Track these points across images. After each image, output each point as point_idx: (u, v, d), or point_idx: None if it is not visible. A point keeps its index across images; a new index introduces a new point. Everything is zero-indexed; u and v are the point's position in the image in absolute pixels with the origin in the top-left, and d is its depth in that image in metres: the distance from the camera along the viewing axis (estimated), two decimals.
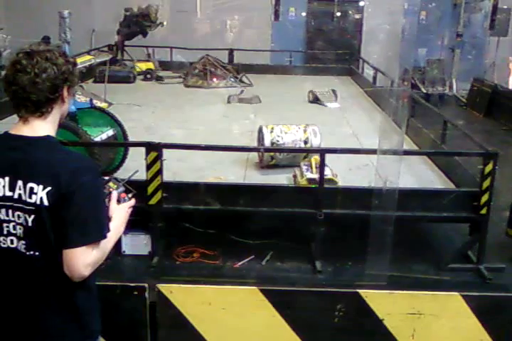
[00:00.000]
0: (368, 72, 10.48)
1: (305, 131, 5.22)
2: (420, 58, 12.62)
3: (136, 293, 3.13)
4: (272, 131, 5.12)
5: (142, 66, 10.15)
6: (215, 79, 9.80)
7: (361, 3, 13.78)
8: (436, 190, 4.55)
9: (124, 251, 4.18)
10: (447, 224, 4.74)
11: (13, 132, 2.08)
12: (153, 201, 4.15)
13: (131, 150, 4.97)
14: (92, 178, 2.03)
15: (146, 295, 3.14)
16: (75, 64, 2.15)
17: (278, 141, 5.03)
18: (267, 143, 5.02)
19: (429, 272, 3.93)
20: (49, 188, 1.96)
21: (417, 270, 3.96)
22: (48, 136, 2.07)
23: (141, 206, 2.39)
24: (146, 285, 3.16)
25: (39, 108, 2.04)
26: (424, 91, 11.84)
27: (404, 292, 3.26)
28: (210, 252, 4.25)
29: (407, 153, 4.99)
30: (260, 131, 5.20)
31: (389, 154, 3.91)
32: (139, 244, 4.22)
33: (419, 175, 5.17)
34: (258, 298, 3.21)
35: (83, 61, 8.34)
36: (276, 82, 10.48)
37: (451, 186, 4.84)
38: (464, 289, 3.46)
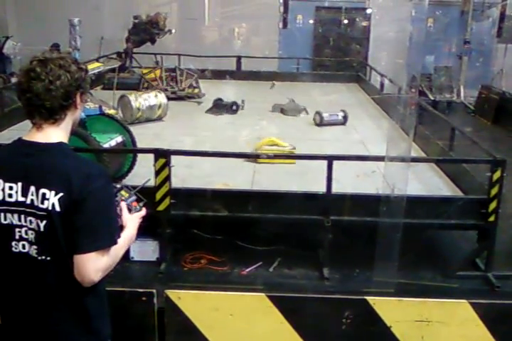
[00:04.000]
0: (376, 79, 10.49)
1: (156, 96, 7.64)
2: (428, 65, 12.62)
3: (144, 298, 3.13)
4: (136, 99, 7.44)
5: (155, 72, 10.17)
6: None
7: (368, 11, 13.80)
8: (444, 197, 4.55)
9: (132, 257, 4.20)
10: (455, 231, 4.73)
11: (26, 138, 2.10)
12: (161, 207, 4.17)
13: (140, 156, 5.00)
14: (104, 185, 2.05)
15: (155, 301, 3.14)
16: (86, 71, 2.18)
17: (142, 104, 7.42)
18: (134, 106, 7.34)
19: (437, 279, 3.92)
20: (61, 194, 1.98)
21: (425, 277, 3.95)
22: (61, 143, 2.09)
23: (149, 212, 2.41)
24: (154, 291, 3.16)
25: (53, 115, 2.06)
26: (432, 98, 11.83)
27: (413, 299, 3.23)
28: (217, 258, 4.26)
29: (414, 160, 4.99)
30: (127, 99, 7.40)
31: (396, 161, 3.91)
32: (147, 250, 4.24)
33: (427, 182, 5.16)
34: (266, 305, 3.20)
35: (92, 68, 8.37)
36: (284, 89, 10.50)
37: (459, 193, 4.83)
38: (472, 297, 3.44)
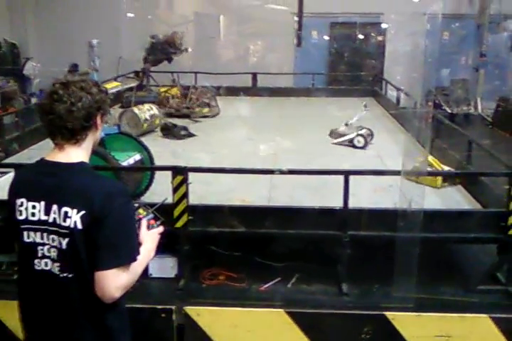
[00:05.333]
0: (392, 94, 10.49)
1: (151, 108, 8.11)
2: (444, 78, 12.61)
3: (163, 315, 3.16)
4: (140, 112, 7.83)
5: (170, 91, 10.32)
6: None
7: (383, 26, 13.87)
8: (462, 211, 4.51)
9: (150, 274, 4.22)
10: (475, 245, 4.68)
11: (48, 158, 2.17)
12: (179, 224, 4.20)
13: (158, 174, 5.05)
14: (124, 203, 2.10)
15: (174, 317, 3.16)
16: (107, 93, 2.25)
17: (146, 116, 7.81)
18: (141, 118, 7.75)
19: (457, 294, 3.87)
20: (83, 212, 2.03)
21: (445, 292, 3.91)
22: (82, 162, 2.16)
23: (168, 229, 2.44)
24: (173, 307, 3.19)
25: (74, 135, 2.13)
26: (449, 111, 11.79)
27: (432, 314, 3.22)
28: (235, 275, 4.26)
29: (431, 173, 4.96)
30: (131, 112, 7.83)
31: (413, 175, 3.90)
32: (165, 267, 4.26)
33: (446, 195, 5.13)
34: (284, 321, 3.21)
35: (111, 87, 8.53)
36: (299, 104, 10.55)
37: (477, 206, 4.79)
38: (493, 311, 3.40)
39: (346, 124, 7.67)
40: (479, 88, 12.77)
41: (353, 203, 4.22)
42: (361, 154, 6.95)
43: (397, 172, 4.24)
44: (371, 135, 7.41)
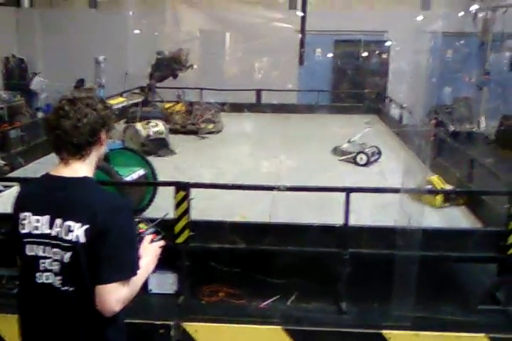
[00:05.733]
0: (395, 111, 10.55)
1: (157, 124, 8.05)
2: (447, 96, 12.67)
3: (162, 331, 3.17)
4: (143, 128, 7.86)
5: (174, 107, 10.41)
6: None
7: (387, 43, 13.98)
8: (462, 230, 4.53)
9: (150, 290, 4.23)
10: (476, 264, 4.68)
11: (53, 173, 2.21)
12: (180, 239, 4.22)
13: (160, 189, 5.09)
14: (127, 217, 2.15)
15: (172, 333, 3.17)
16: (112, 109, 2.30)
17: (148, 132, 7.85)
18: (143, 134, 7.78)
19: (456, 313, 3.86)
20: (86, 226, 2.07)
21: (444, 311, 3.90)
22: (87, 177, 2.20)
23: (169, 244, 2.46)
24: (171, 323, 3.20)
25: (79, 150, 2.18)
26: (452, 129, 11.83)
27: (430, 333, 3.22)
28: (235, 291, 4.27)
29: (430, 191, 4.98)
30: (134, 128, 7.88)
31: (412, 193, 3.92)
32: (165, 283, 4.27)
33: (446, 213, 5.14)
34: (282, 338, 3.21)
35: (116, 103, 8.65)
36: (303, 121, 10.60)
37: (478, 225, 4.80)
38: (492, 331, 3.40)
39: (349, 141, 7.72)
40: (482, 106, 12.82)
41: (354, 220, 4.24)
42: (364, 171, 6.97)
43: (397, 190, 4.26)
44: (378, 153, 7.41)
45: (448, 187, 5.40)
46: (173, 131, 8.97)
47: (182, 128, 9.31)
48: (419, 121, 9.07)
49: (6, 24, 12.94)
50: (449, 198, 5.21)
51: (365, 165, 7.14)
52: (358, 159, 7.20)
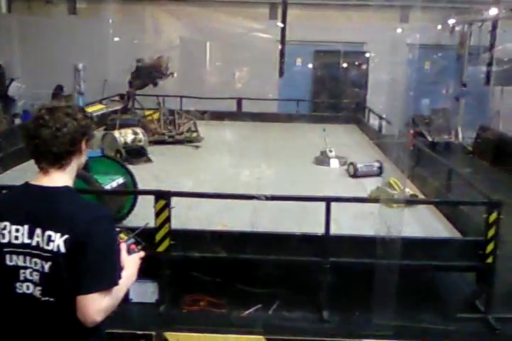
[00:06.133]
0: (373, 121, 10.66)
1: (135, 132, 8.06)
2: (425, 107, 12.85)
3: (143, 340, 3.14)
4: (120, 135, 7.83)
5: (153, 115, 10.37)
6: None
7: (367, 55, 14.15)
8: (441, 239, 4.57)
9: (131, 299, 4.18)
10: (455, 273, 4.73)
11: (33, 182, 2.18)
12: (161, 248, 4.19)
13: (140, 198, 5.05)
14: (108, 227, 2.12)
15: None
16: (92, 118, 2.28)
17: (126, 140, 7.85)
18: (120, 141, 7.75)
19: (436, 322, 3.90)
20: (66, 236, 2.04)
21: (425, 319, 3.93)
22: (66, 187, 2.17)
23: (149, 253, 2.44)
24: (153, 333, 3.17)
25: (59, 160, 2.15)
26: (430, 139, 11.98)
27: None
28: (216, 300, 4.25)
29: (410, 201, 5.03)
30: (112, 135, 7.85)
31: (391, 203, 3.97)
32: (146, 292, 4.23)
33: (425, 223, 5.19)
34: None
35: (96, 110, 8.59)
36: (283, 130, 10.65)
37: (457, 235, 4.86)
38: (472, 339, 3.43)
39: (321, 153, 7.91)
40: (460, 117, 13.02)
41: (334, 230, 4.26)
42: (344, 181, 7.02)
43: (377, 200, 4.30)
44: (379, 167, 7.22)
45: (403, 189, 5.58)
46: (159, 143, 8.87)
47: (169, 139, 9.12)
48: (398, 132, 9.19)
49: None
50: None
51: (353, 176, 7.12)
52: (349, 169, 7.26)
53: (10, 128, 9.90)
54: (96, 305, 2.04)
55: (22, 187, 2.21)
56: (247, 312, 4.11)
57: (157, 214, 4.22)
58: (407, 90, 10.51)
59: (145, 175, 6.25)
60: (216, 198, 4.81)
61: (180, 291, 4.28)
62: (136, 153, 7.78)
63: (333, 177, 7.23)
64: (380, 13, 13.27)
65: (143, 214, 4.68)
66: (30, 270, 2.09)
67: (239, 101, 12.00)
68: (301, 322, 3.99)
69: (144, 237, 2.51)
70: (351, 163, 7.26)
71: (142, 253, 2.36)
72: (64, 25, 13.39)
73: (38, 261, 2.07)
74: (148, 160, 7.78)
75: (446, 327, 3.84)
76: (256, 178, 6.41)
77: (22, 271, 2.10)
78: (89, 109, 7.61)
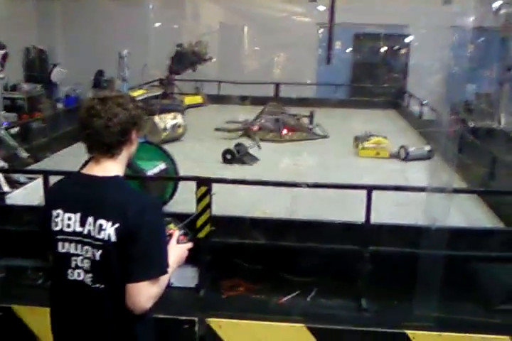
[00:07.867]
0: (414, 107, 10.47)
1: (175, 117, 8.28)
2: (468, 92, 12.54)
3: (186, 326, 3.19)
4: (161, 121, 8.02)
5: (191, 100, 10.43)
6: (285, 131, 8.92)
7: (408, 38, 13.84)
8: (485, 229, 4.50)
9: (171, 283, 4.25)
10: (499, 264, 4.64)
11: (85, 171, 2.22)
12: (201, 234, 4.24)
13: (181, 183, 5.11)
14: (157, 216, 2.16)
15: (196, 328, 3.19)
16: (143, 109, 2.30)
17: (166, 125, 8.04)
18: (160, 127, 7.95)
19: (478, 313, 3.84)
20: (117, 225, 2.08)
21: (467, 311, 3.88)
22: (117, 176, 2.21)
23: (195, 243, 2.48)
24: (195, 319, 3.21)
25: (110, 150, 2.18)
26: (473, 125, 11.69)
27: (453, 334, 3.20)
28: (255, 286, 4.28)
29: (456, 191, 4.94)
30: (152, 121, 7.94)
31: (437, 192, 3.90)
32: (186, 277, 4.29)
33: (468, 212, 5.11)
34: (305, 336, 3.21)
35: (137, 95, 8.69)
36: (322, 115, 10.55)
37: (500, 225, 4.77)
38: None
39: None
40: (503, 103, 12.63)
41: (375, 218, 4.23)
42: (385, 167, 6.94)
43: (420, 189, 4.24)
44: (430, 151, 7.23)
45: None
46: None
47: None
48: (440, 117, 9.00)
49: (26, 15, 12.97)
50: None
51: (404, 159, 7.13)
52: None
53: (53, 113, 10.08)
54: (145, 293, 2.09)
55: (74, 176, 2.26)
56: (285, 298, 4.12)
57: (198, 201, 4.26)
58: (449, 75, 10.26)
59: (184, 160, 6.31)
60: (257, 185, 4.82)
61: (219, 277, 4.32)
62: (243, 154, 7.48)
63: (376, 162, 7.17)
64: None
65: (183, 199, 4.74)
66: (82, 257, 2.15)
67: (277, 86, 11.93)
68: (340, 309, 3.98)
69: (186, 224, 2.53)
70: (402, 147, 7.10)
71: (190, 245, 2.40)
72: (105, 10, 13.50)
73: (89, 248, 2.12)
74: (256, 159, 7.48)
75: (489, 319, 3.78)
76: (296, 165, 6.39)
77: (73, 258, 2.16)
78: (131, 94, 7.70)
